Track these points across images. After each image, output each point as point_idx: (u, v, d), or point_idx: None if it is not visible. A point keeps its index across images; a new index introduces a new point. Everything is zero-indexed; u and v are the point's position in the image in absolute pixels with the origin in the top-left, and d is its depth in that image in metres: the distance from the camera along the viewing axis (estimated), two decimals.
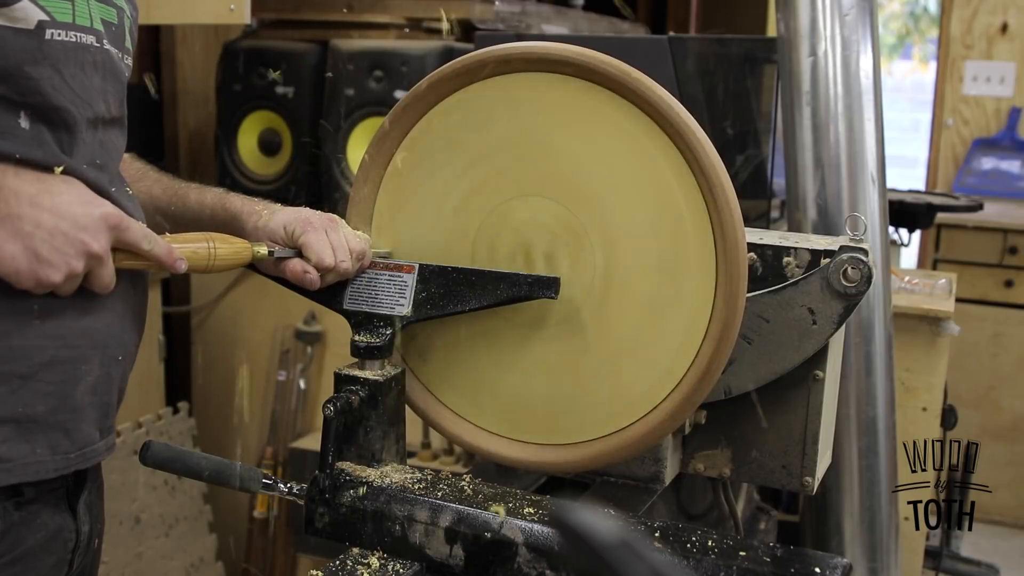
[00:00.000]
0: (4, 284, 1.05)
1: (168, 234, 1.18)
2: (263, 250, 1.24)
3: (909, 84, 10.29)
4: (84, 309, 1.12)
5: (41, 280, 1.04)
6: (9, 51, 1.04)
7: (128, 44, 1.22)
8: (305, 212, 1.28)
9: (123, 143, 1.23)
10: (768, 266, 1.36)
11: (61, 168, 1.08)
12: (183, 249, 1.16)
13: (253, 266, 1.27)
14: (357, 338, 1.26)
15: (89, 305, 1.12)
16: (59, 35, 1.08)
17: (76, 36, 1.10)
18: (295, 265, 1.24)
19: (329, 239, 1.25)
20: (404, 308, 1.27)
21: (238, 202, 1.32)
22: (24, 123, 1.07)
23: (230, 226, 1.29)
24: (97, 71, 1.14)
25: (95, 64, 1.14)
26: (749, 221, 2.26)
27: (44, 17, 1.06)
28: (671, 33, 2.26)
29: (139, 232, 1.10)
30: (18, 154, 1.06)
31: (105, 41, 1.15)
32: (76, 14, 1.10)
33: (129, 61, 1.22)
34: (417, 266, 1.28)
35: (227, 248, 1.21)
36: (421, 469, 1.24)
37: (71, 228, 1.04)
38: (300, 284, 1.26)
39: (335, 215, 1.31)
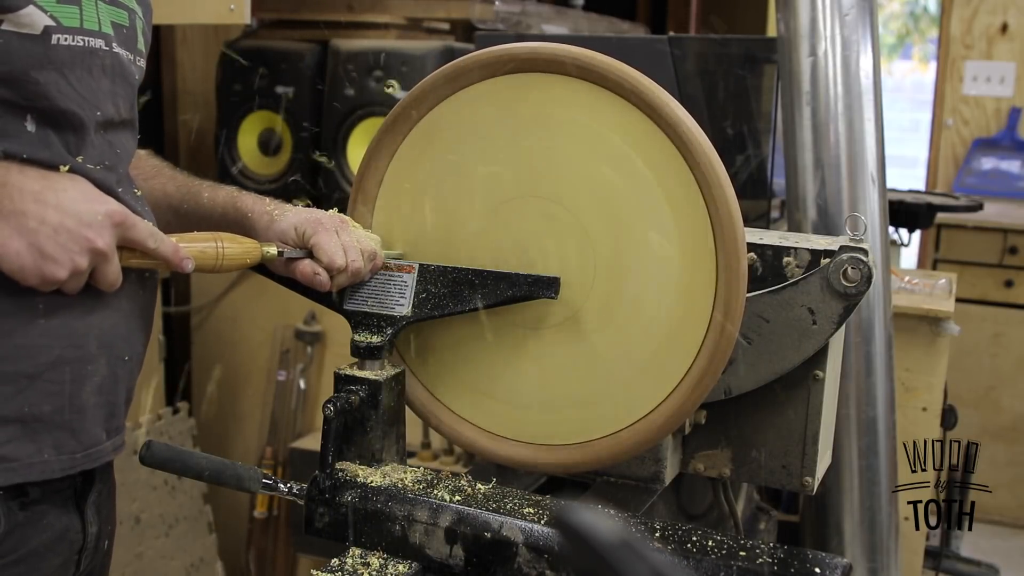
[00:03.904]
0: (9, 282, 1.04)
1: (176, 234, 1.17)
2: (273, 250, 1.23)
3: (909, 84, 10.28)
4: (90, 308, 1.12)
5: (46, 276, 1.03)
6: (15, 56, 1.04)
7: (140, 46, 1.22)
8: (316, 213, 1.28)
9: (133, 145, 1.23)
10: (768, 266, 1.36)
11: (67, 168, 1.08)
12: (190, 248, 1.15)
13: (262, 268, 1.27)
14: (357, 338, 1.26)
15: (95, 304, 1.12)
16: (66, 40, 1.08)
17: (84, 40, 1.10)
18: (305, 266, 1.24)
19: (340, 240, 1.24)
20: (404, 308, 1.27)
21: (249, 201, 1.31)
22: (31, 126, 1.07)
23: (240, 225, 1.29)
24: (106, 74, 1.14)
25: (103, 68, 1.13)
26: (749, 221, 2.27)
27: (50, 23, 1.06)
28: (671, 33, 2.26)
29: (145, 230, 1.10)
30: (25, 154, 1.06)
31: (115, 44, 1.15)
32: (84, 18, 1.10)
33: (142, 63, 1.22)
34: (417, 266, 1.28)
35: (236, 248, 1.20)
36: (421, 469, 1.24)
37: (76, 224, 1.04)
38: (310, 285, 1.25)
39: (346, 216, 1.31)
